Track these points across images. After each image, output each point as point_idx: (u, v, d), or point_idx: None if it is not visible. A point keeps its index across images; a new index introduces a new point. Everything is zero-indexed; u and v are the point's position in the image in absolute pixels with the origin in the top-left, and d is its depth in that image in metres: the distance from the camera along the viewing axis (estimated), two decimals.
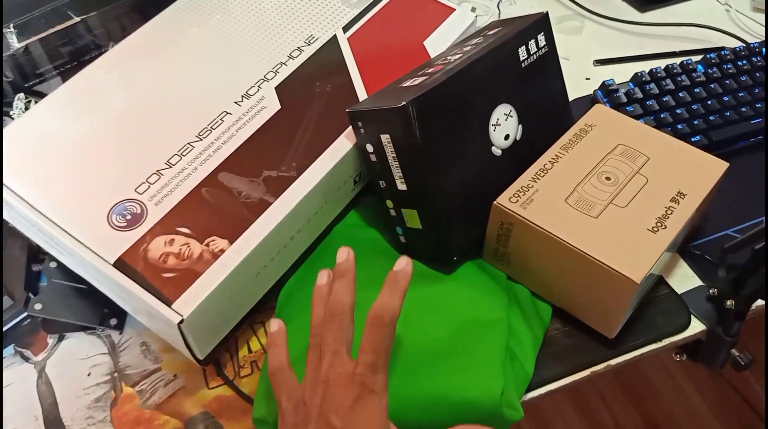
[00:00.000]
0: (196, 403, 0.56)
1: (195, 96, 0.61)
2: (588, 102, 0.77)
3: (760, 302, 0.61)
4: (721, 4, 0.89)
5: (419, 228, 0.58)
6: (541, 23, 0.64)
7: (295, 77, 0.63)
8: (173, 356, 0.59)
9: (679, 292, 0.62)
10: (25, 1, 0.70)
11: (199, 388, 0.57)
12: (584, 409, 1.33)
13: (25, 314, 0.61)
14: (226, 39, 0.66)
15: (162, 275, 0.51)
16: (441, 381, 0.51)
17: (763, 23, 0.87)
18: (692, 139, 0.71)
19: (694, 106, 0.73)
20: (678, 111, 0.73)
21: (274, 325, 0.50)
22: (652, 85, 0.74)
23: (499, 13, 0.89)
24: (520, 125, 0.62)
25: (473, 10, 0.75)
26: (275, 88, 0.62)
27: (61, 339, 0.60)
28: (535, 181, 0.58)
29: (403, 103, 0.52)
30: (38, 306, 0.60)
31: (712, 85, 0.75)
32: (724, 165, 0.60)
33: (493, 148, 0.60)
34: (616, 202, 0.56)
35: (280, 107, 0.61)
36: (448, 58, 0.62)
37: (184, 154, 0.57)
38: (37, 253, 0.63)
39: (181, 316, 0.49)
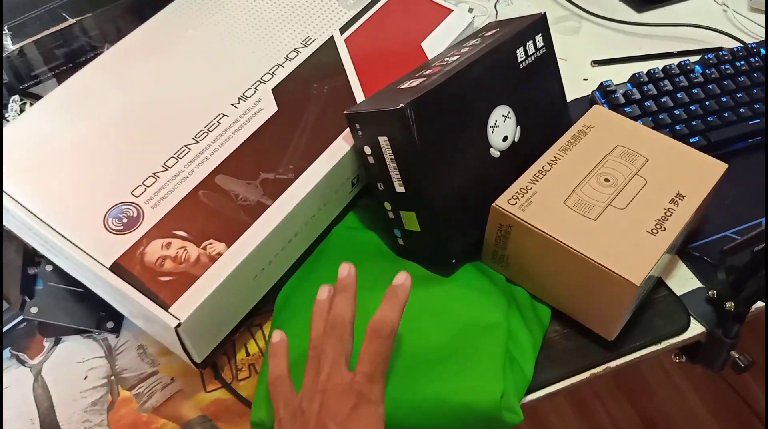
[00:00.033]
0: (194, 407, 0.56)
1: (191, 98, 0.61)
2: (586, 103, 0.77)
3: (760, 304, 0.61)
4: (719, 5, 0.89)
5: (417, 230, 0.57)
6: (539, 24, 0.64)
7: (292, 79, 0.63)
8: (170, 359, 0.58)
9: (678, 294, 0.62)
10: (19, 3, 0.70)
11: (196, 391, 0.57)
12: (582, 409, 1.33)
13: (21, 317, 0.60)
14: (222, 40, 0.66)
15: (159, 279, 0.51)
16: (440, 385, 0.51)
17: (760, 23, 0.87)
18: (690, 140, 0.71)
19: (693, 107, 0.73)
20: (676, 112, 0.73)
21: (276, 336, 0.51)
22: (650, 85, 0.74)
23: (496, 14, 0.89)
24: (519, 127, 0.62)
25: (470, 10, 0.75)
26: (272, 89, 0.62)
27: (57, 342, 0.60)
28: (534, 183, 0.57)
29: (402, 105, 0.52)
30: (34, 309, 0.60)
31: (710, 86, 0.75)
32: (723, 166, 0.60)
33: (491, 149, 0.59)
34: (615, 203, 0.56)
35: (277, 109, 0.61)
36: (446, 59, 0.62)
37: (180, 156, 0.57)
38: (32, 256, 0.62)
39: (179, 319, 0.49)
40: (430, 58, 0.67)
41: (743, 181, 0.69)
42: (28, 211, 0.54)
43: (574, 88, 0.78)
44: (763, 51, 0.78)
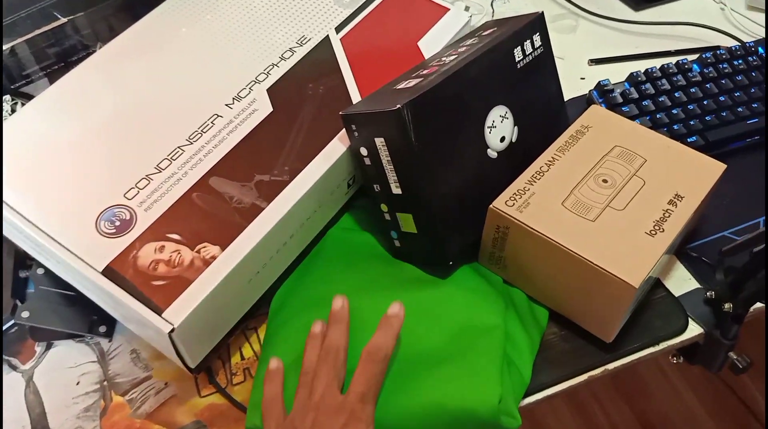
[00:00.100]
0: (188, 412, 0.55)
1: (185, 98, 0.60)
2: (583, 102, 0.76)
3: (759, 305, 0.61)
4: (716, 3, 0.89)
5: (414, 232, 0.57)
6: (536, 23, 0.64)
7: (287, 79, 0.62)
8: (164, 364, 0.58)
9: (676, 295, 0.61)
10: (10, 2, 0.69)
11: (190, 396, 0.56)
12: (579, 411, 1.33)
13: (12, 322, 0.60)
14: (216, 40, 0.65)
15: (152, 283, 0.50)
16: (438, 389, 0.50)
17: (758, 21, 0.86)
18: (688, 140, 0.70)
19: (690, 107, 0.73)
20: (674, 111, 0.72)
21: (273, 363, 0.53)
22: (648, 85, 0.74)
23: (493, 12, 0.88)
24: (516, 127, 0.61)
25: (467, 9, 0.74)
26: (267, 90, 0.61)
27: (49, 347, 0.59)
28: (532, 184, 0.57)
29: (398, 106, 0.51)
30: (25, 313, 0.59)
31: (708, 85, 0.74)
32: (721, 166, 0.59)
33: (488, 150, 0.59)
34: (613, 205, 0.56)
35: (272, 110, 0.60)
36: (443, 59, 0.61)
37: (174, 158, 0.56)
38: (24, 259, 0.61)
39: (172, 325, 0.48)
40: (426, 57, 0.66)
41: (741, 180, 0.68)
42: (19, 214, 0.53)
43: (571, 87, 0.77)
44: (761, 49, 0.78)
